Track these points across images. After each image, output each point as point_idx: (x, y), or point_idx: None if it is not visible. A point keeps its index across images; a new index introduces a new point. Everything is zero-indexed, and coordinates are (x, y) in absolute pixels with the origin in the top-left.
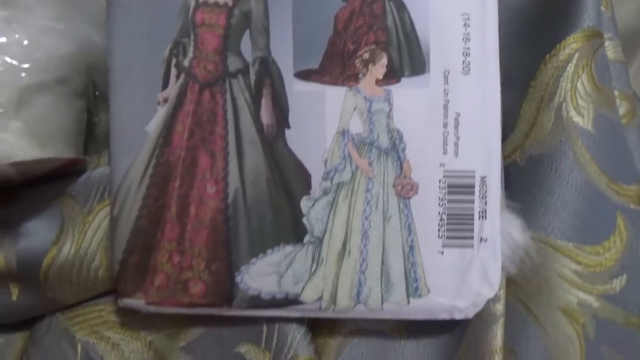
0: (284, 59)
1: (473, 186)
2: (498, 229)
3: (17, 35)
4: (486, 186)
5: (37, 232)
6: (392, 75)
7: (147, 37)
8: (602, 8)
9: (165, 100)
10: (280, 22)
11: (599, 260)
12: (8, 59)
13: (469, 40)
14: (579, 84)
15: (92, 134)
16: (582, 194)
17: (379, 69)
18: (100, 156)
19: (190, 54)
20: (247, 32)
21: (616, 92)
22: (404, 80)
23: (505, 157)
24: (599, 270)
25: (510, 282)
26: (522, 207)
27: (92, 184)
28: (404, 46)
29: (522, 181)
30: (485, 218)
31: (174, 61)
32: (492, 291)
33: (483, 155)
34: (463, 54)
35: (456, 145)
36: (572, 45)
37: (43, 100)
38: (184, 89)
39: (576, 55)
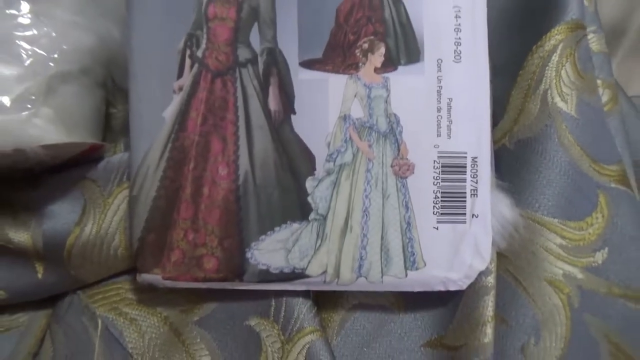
0: (290, 50)
1: (465, 166)
2: (488, 206)
3: (45, 28)
4: (477, 166)
5: (61, 214)
6: (390, 63)
7: (164, 30)
8: (586, 3)
9: (180, 88)
10: (286, 15)
11: (582, 235)
12: (38, 50)
13: (460, 31)
14: (563, 72)
15: (109, 124)
16: (566, 173)
17: (378, 58)
18: (117, 145)
19: (203, 46)
20: (255, 25)
21: (599, 81)
22: (400, 68)
23: (495, 141)
24: (582, 244)
25: (501, 256)
26: (511, 186)
27: (111, 168)
28: (400, 37)
29: (512, 163)
30: (477, 196)
31: (188, 52)
32: (483, 264)
33: (474, 137)
34: (455, 43)
35: (449, 128)
36: (556, 36)
37: (68, 89)
38: (198, 78)
39: (560, 46)
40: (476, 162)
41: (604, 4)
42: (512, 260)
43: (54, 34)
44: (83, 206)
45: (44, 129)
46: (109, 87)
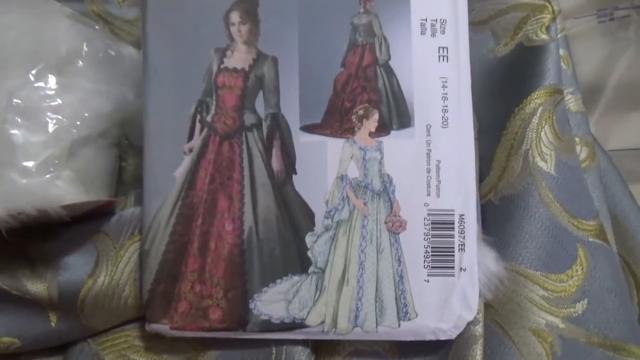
0: (292, 115)
1: (453, 223)
2: (475, 260)
3: (69, 98)
4: (464, 222)
5: (75, 266)
6: (383, 128)
7: (176, 97)
8: (564, 66)
9: (191, 150)
10: (289, 84)
11: (563, 287)
12: (62, 118)
13: (447, 99)
14: (542, 134)
15: (121, 177)
16: (547, 229)
17: (372, 123)
18: (128, 197)
19: (212, 111)
20: (260, 92)
21: (577, 139)
22: (393, 132)
23: (482, 196)
24: (563, 296)
25: (488, 307)
26: (496, 240)
27: (123, 222)
28: (392, 104)
29: (497, 218)
30: (464, 250)
31: (198, 117)
32: (471, 314)
33: (461, 196)
34: (442, 110)
35: (438, 187)
36: (536, 100)
37: (87, 151)
38: (207, 141)
39: (540, 109)
40: (463, 219)
41: (583, 63)
42: (498, 311)
43: (76, 103)
44: (96, 258)
45: (64, 189)
46: (123, 145)
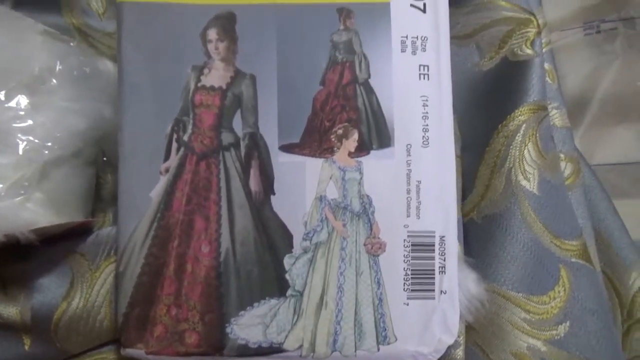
0: (270, 134)
1: (433, 245)
2: (456, 282)
3: (41, 118)
4: (445, 244)
5: (49, 288)
6: (363, 148)
7: (153, 115)
8: (549, 80)
9: (167, 170)
10: (267, 103)
11: (545, 309)
12: (33, 139)
13: (428, 118)
14: (525, 152)
15: (99, 194)
16: (529, 249)
17: (351, 143)
18: (106, 214)
19: (189, 130)
20: (238, 111)
21: (562, 155)
22: (372, 152)
23: (464, 215)
24: (545, 318)
25: (469, 329)
26: (477, 261)
27: (99, 242)
28: (372, 123)
29: (479, 237)
30: (445, 272)
31: (175, 136)
32: (452, 338)
33: (441, 217)
34: (423, 129)
35: (418, 209)
36: (520, 117)
37: (60, 172)
38: (183, 160)
39: (523, 126)
40: (444, 240)
41: (569, 76)
42: (479, 333)
43: (49, 123)
44: (71, 280)
45: (35, 212)
46: (100, 163)
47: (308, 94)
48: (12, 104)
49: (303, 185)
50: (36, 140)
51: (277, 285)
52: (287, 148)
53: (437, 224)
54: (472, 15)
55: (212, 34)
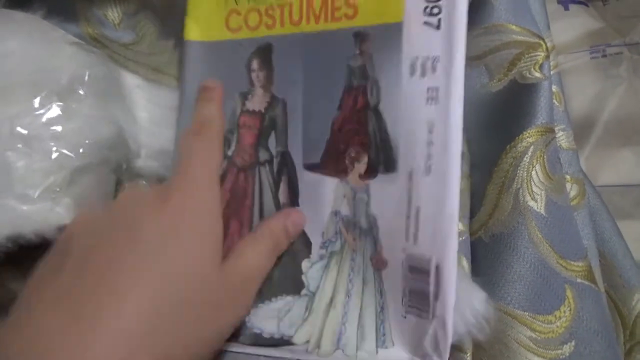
0: (297, 154)
1: (428, 271)
2: (451, 310)
3: (71, 125)
4: (440, 272)
5: None
6: (371, 171)
7: None
8: (556, 102)
9: None
10: (294, 125)
11: (551, 328)
12: (64, 146)
13: (432, 145)
14: (533, 173)
15: None
16: (535, 269)
17: (362, 165)
18: None
19: (233, 147)
20: (273, 132)
21: (568, 176)
22: (379, 176)
23: (472, 233)
24: (551, 337)
25: (477, 347)
26: (484, 279)
27: None
28: (380, 149)
29: (486, 256)
30: (438, 299)
31: None
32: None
33: (438, 245)
34: (425, 157)
35: (415, 235)
36: (528, 139)
37: (87, 178)
38: (226, 172)
39: (531, 148)
40: (439, 268)
41: (575, 98)
42: (487, 351)
43: (78, 130)
44: None
45: (62, 216)
46: (122, 170)
47: (327, 118)
48: (44, 111)
49: (322, 200)
50: (67, 147)
51: (294, 285)
52: (310, 167)
53: (433, 252)
54: (482, 37)
55: (255, 64)
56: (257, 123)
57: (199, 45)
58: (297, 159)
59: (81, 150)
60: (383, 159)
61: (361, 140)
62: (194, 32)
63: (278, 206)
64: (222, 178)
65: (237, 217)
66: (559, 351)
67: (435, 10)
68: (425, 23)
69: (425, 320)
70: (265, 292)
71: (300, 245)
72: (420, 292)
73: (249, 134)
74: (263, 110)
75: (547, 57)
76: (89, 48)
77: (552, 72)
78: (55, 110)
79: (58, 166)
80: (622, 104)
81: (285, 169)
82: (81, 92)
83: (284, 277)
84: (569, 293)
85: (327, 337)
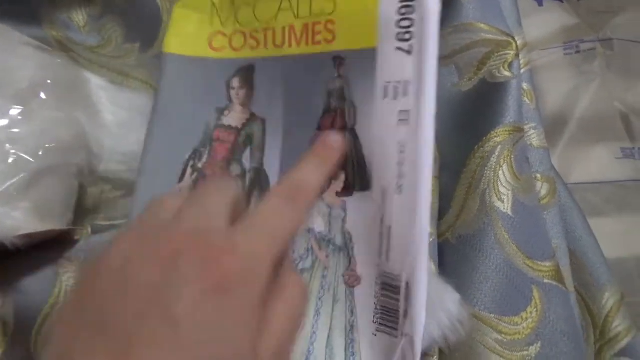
0: (273, 171)
1: (399, 288)
2: (420, 329)
3: (30, 129)
4: (410, 290)
5: (33, 293)
6: (348, 189)
7: (176, 143)
8: (527, 100)
9: (180, 190)
10: (273, 143)
11: (517, 330)
12: (22, 149)
13: (403, 165)
14: (500, 173)
15: (81, 204)
16: (501, 270)
17: (339, 184)
18: (85, 227)
19: (204, 159)
20: (248, 149)
21: (538, 176)
22: (355, 194)
23: (440, 235)
24: (517, 339)
25: (441, 352)
26: (451, 283)
27: (92, 250)
28: (355, 167)
29: (453, 258)
30: (407, 317)
31: (191, 163)
32: None
33: (408, 264)
34: (397, 176)
35: (387, 252)
36: (495, 138)
37: (46, 182)
38: (195, 184)
39: (498, 148)
40: (409, 286)
41: (549, 95)
42: (453, 353)
43: (38, 133)
44: (57, 285)
45: (20, 220)
46: (85, 174)
47: (306, 137)
48: (2, 114)
49: None
50: (25, 151)
51: None
52: None
53: (404, 270)
54: (451, 36)
55: (236, 82)
56: (232, 138)
57: (178, 58)
58: (273, 176)
59: (40, 154)
60: (359, 178)
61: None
62: (174, 45)
63: None
64: (191, 189)
65: None
66: (525, 352)
67: (407, 36)
68: (398, 48)
69: (394, 339)
70: None
71: None
72: (390, 309)
73: (222, 148)
74: (240, 127)
75: (517, 55)
76: (49, 50)
77: (523, 70)
78: (13, 113)
79: (15, 170)
80: (596, 100)
81: (258, 184)
82: (42, 95)
83: None
84: (535, 294)
85: (295, 357)
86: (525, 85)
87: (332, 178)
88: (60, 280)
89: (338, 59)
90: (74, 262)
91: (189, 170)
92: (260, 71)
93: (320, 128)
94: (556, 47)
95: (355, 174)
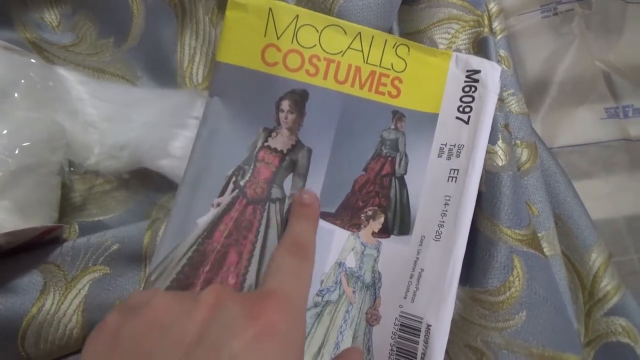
0: None
1: (419, 330)
2: None
3: (5, 130)
4: (430, 333)
5: (19, 295)
6: (385, 231)
7: (220, 158)
8: (505, 67)
9: (219, 204)
10: (316, 174)
11: (501, 300)
12: None
13: (445, 215)
14: None
15: (65, 204)
16: (478, 245)
17: (377, 224)
18: (71, 225)
19: (246, 178)
20: (291, 174)
21: (518, 142)
22: (392, 237)
23: None
24: (501, 309)
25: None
26: None
27: (77, 253)
28: (398, 212)
29: None
30: None
31: (233, 179)
32: None
33: (434, 307)
34: (438, 225)
35: (414, 293)
36: None
37: (26, 181)
38: (235, 200)
39: None
40: (430, 329)
41: (528, 60)
42: None
43: (13, 132)
44: (42, 288)
45: (2, 219)
46: (66, 173)
47: (351, 176)
48: None
49: (328, 249)
50: (1, 150)
51: None
52: (323, 215)
53: (428, 312)
54: (424, 11)
55: (285, 105)
56: (276, 161)
57: (231, 68)
58: None
59: (17, 152)
60: (399, 222)
61: (380, 202)
62: (227, 54)
63: None
64: (230, 206)
65: (236, 249)
66: (511, 322)
67: (467, 109)
68: (457, 118)
69: None
70: None
71: None
72: (407, 351)
73: (266, 170)
74: (285, 151)
75: (491, 29)
76: (22, 52)
77: (499, 37)
78: None
79: None
80: (576, 62)
81: None
82: (16, 95)
83: None
84: (517, 262)
85: None
86: (502, 52)
87: (371, 217)
88: (47, 288)
89: (398, 114)
90: (62, 268)
91: (231, 186)
92: (315, 100)
93: (366, 170)
94: (534, 11)
95: (396, 218)
